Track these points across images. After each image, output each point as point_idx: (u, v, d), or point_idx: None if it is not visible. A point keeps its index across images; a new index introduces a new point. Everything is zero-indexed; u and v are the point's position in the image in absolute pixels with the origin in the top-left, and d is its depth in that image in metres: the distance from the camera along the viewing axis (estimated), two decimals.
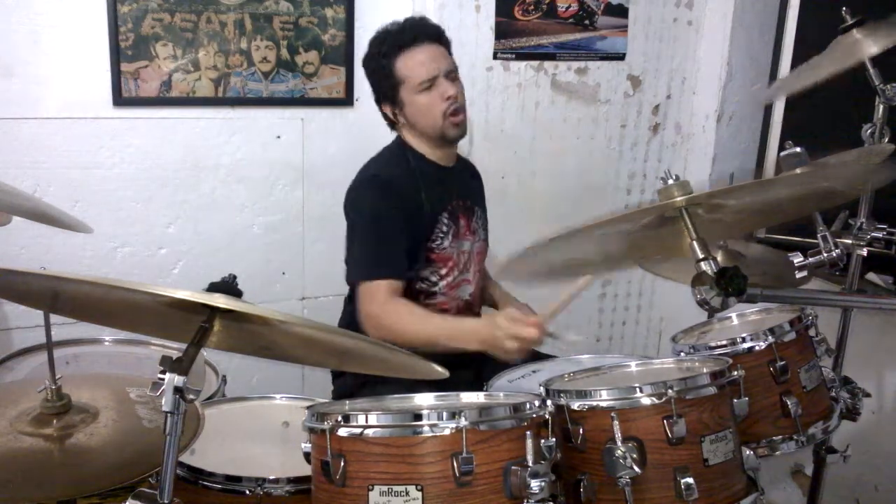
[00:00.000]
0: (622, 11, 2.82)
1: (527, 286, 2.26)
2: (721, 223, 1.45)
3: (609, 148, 2.95)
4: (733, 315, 1.93)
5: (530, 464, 1.24)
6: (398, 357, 1.35)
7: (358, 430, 1.25)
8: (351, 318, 2.08)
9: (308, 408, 1.36)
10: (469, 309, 2.23)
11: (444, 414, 1.24)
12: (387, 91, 2.09)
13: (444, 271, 2.16)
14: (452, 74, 2.09)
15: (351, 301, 2.13)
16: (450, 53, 2.12)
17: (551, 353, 2.17)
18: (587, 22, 2.78)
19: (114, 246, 2.48)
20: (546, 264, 1.63)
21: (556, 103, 2.83)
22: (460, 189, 2.21)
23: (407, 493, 1.21)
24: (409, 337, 1.90)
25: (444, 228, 2.13)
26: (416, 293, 2.14)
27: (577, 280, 1.77)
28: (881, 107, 1.78)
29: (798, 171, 1.61)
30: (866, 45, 1.73)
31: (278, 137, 2.58)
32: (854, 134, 1.82)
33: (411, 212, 2.07)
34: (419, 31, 2.08)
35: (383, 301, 1.97)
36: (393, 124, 2.17)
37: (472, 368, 2.12)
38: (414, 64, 2.04)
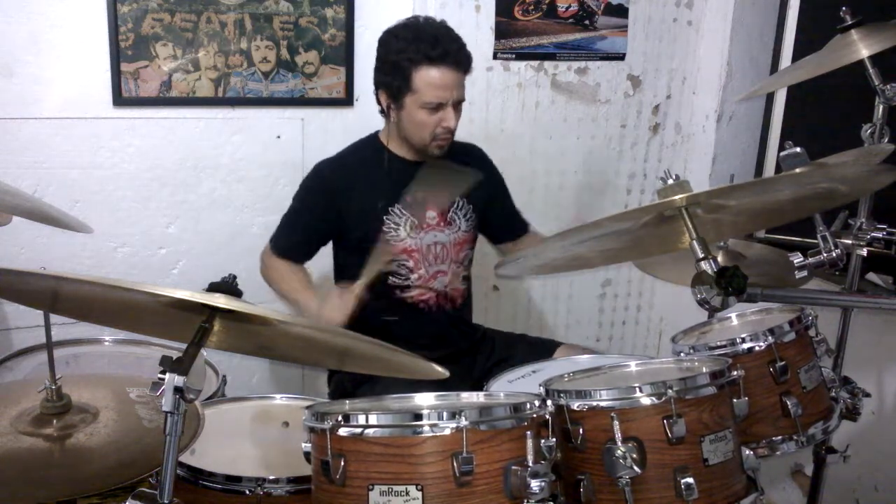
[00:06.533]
0: (622, 11, 2.82)
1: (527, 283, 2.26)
2: (721, 223, 1.45)
3: (609, 148, 2.95)
4: (733, 315, 1.92)
5: (530, 464, 1.24)
6: (398, 357, 1.35)
7: (358, 430, 1.25)
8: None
9: (308, 407, 1.36)
10: (447, 299, 2.22)
11: (445, 414, 1.24)
12: (391, 87, 2.07)
13: (410, 263, 2.16)
14: (459, 105, 2.09)
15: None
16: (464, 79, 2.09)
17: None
18: (587, 22, 2.78)
19: (114, 246, 2.48)
20: (547, 261, 1.64)
21: (556, 103, 2.83)
22: (434, 181, 2.18)
23: (407, 493, 1.21)
24: (274, 287, 2.20)
25: (397, 220, 2.15)
26: (389, 287, 2.15)
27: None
28: (881, 107, 1.77)
29: (798, 171, 1.60)
30: (863, 45, 1.73)
31: (278, 137, 2.58)
32: (854, 134, 1.82)
33: (351, 203, 2.13)
34: (449, 51, 2.02)
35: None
36: (383, 111, 2.17)
37: (463, 366, 2.12)
38: (431, 83, 2.01)
